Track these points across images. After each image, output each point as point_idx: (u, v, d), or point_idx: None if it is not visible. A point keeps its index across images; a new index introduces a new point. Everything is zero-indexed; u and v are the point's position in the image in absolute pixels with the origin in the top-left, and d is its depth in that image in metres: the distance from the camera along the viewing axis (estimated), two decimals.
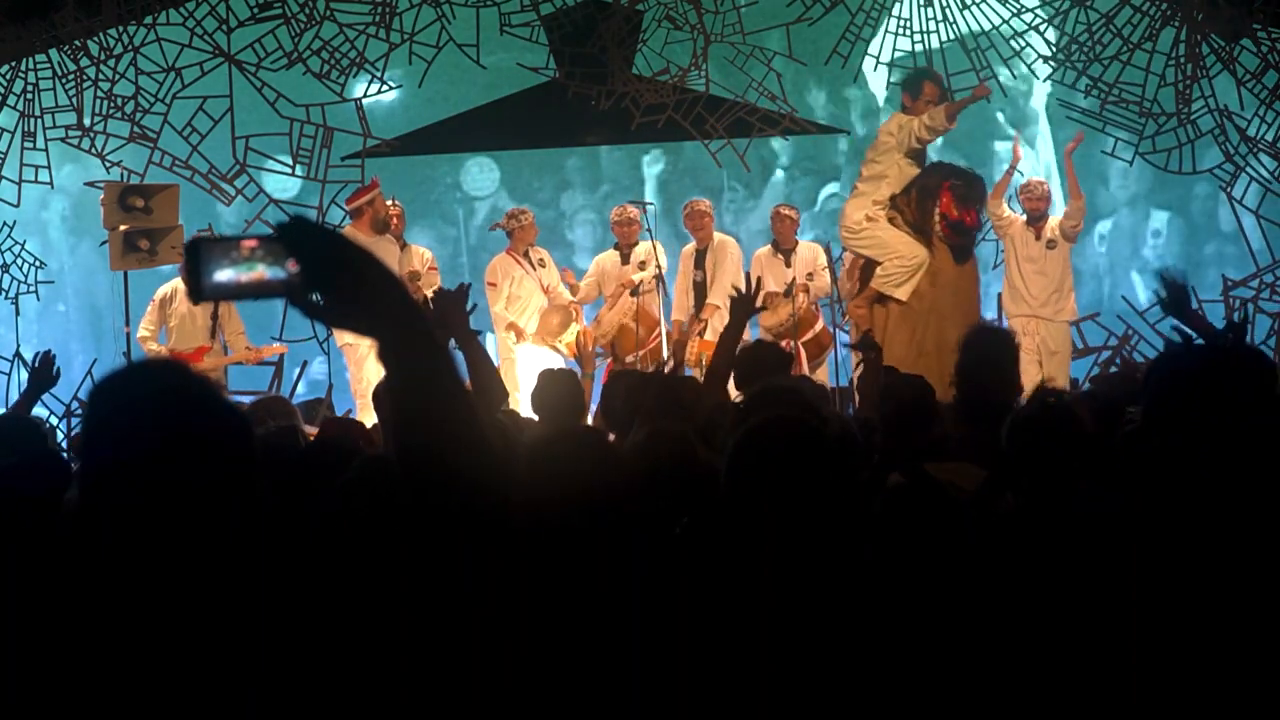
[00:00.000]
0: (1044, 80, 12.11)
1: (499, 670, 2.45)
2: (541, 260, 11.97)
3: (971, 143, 14.50)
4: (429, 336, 2.11)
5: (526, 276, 11.82)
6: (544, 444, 3.52)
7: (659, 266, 11.65)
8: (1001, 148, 13.97)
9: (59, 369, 6.33)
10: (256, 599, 2.19)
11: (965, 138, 14.45)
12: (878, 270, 10.13)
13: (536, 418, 6.56)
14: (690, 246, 12.24)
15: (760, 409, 4.01)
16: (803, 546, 3.14)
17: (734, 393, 6.14)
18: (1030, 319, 11.13)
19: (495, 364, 12.28)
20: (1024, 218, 11.35)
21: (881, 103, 13.63)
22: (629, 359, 11.41)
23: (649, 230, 11.93)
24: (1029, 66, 12.33)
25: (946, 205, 9.89)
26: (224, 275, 2.03)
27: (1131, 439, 3.97)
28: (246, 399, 10.15)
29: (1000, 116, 14.34)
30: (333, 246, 2.05)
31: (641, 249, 11.93)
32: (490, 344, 13.21)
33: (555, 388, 6.54)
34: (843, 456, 3.45)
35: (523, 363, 11.44)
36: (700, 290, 12.00)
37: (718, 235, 12.19)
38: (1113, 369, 11.48)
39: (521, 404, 9.12)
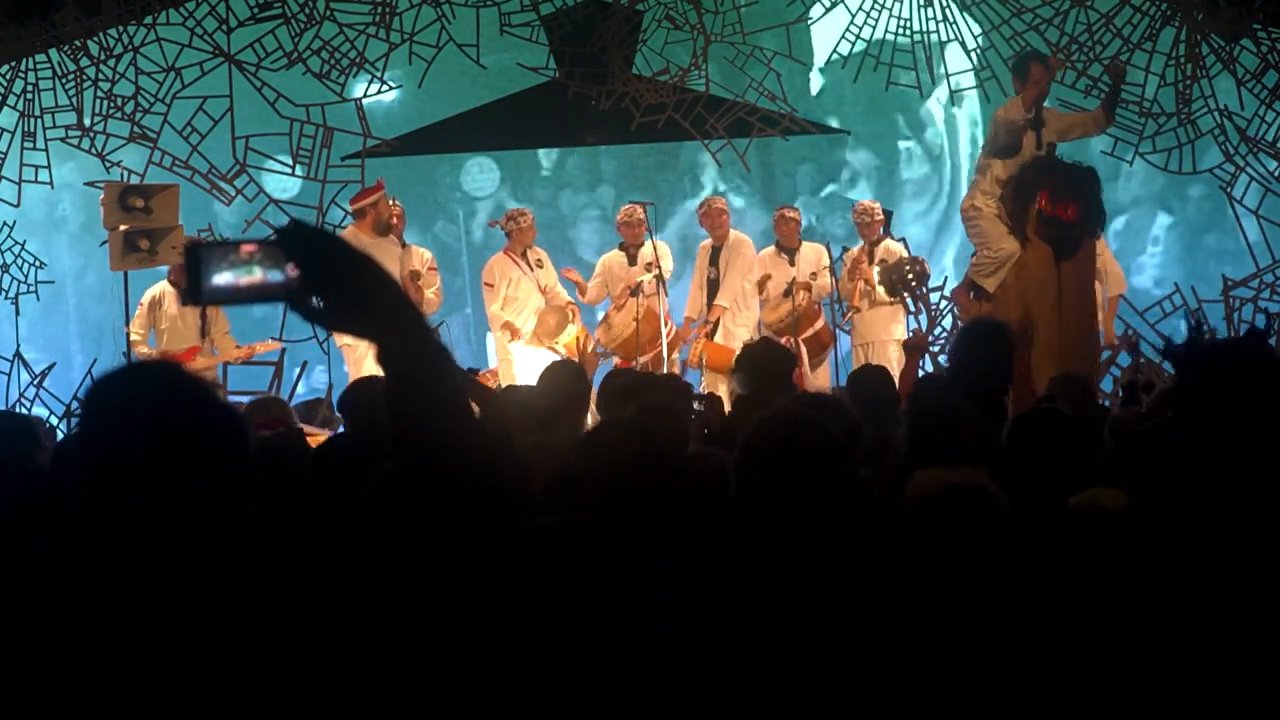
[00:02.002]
0: None
1: (501, 670, 2.45)
2: (539, 261, 11.96)
3: (879, 141, 14.65)
4: (428, 338, 2.11)
5: (524, 277, 11.81)
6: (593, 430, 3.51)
7: (658, 267, 11.64)
8: (903, 146, 14.12)
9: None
10: (256, 599, 2.19)
11: (873, 138, 14.61)
12: (972, 259, 10.30)
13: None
14: (706, 243, 12.25)
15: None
16: (807, 545, 3.15)
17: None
18: None
19: (493, 365, 12.30)
20: None
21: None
22: (639, 360, 11.41)
23: (649, 231, 11.94)
24: None
25: (1044, 201, 9.94)
26: (223, 279, 2.03)
27: (1145, 435, 3.97)
28: (245, 399, 10.17)
29: (901, 120, 14.50)
30: (332, 250, 2.05)
31: (647, 250, 11.92)
32: (488, 344, 13.25)
33: (558, 379, 6.55)
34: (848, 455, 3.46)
35: (520, 363, 11.43)
36: (714, 288, 12.02)
37: (733, 233, 12.20)
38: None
39: None
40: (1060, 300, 10.00)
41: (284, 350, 11.78)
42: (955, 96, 13.05)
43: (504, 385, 10.92)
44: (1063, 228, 10.01)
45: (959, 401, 4.88)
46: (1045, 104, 10.43)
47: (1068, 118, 10.75)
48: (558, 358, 11.38)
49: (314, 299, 2.04)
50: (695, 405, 6.97)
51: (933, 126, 14.77)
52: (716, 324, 11.89)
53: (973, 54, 12.64)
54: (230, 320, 11.63)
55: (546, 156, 15.02)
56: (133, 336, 11.30)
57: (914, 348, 8.29)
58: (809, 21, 12.83)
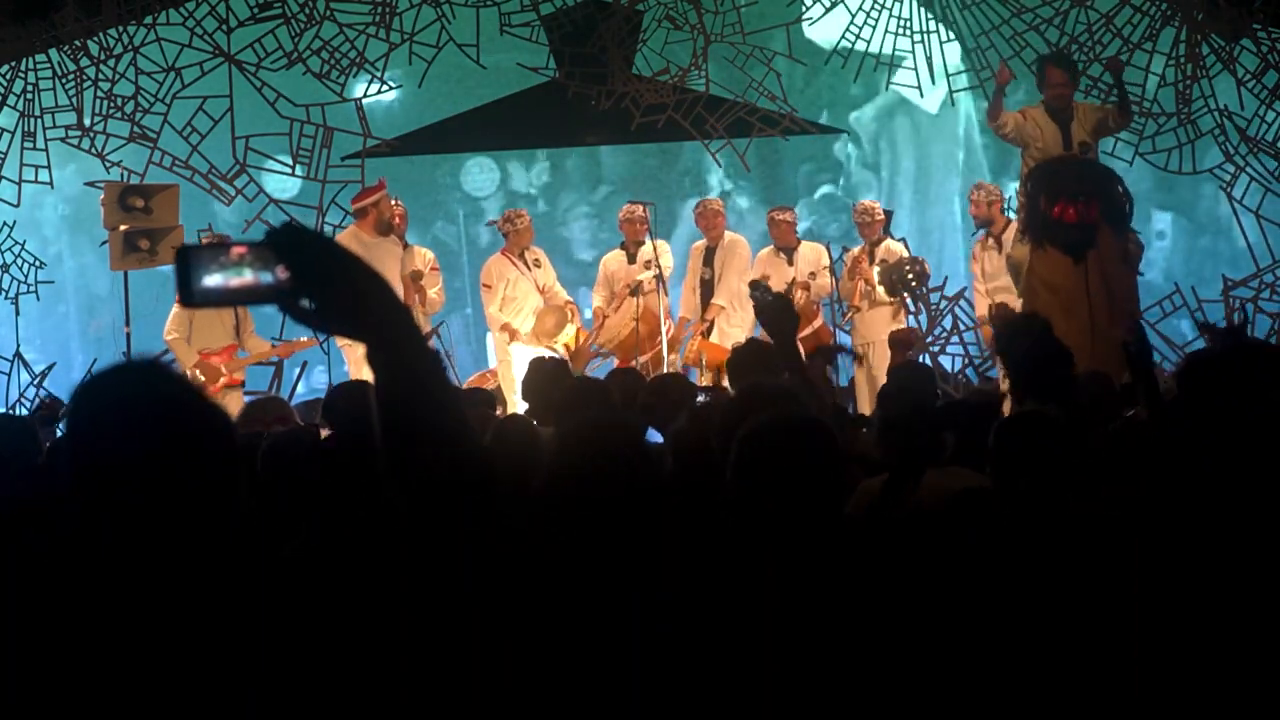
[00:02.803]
0: None
1: (500, 669, 2.45)
2: (537, 261, 11.95)
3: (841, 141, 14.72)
4: (418, 340, 2.11)
5: (522, 278, 11.80)
6: (575, 431, 3.51)
7: (658, 266, 11.64)
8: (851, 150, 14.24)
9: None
10: (256, 599, 2.19)
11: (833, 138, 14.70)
12: None
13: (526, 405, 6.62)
14: (700, 244, 12.24)
15: (751, 407, 4.00)
16: (806, 546, 3.15)
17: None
18: None
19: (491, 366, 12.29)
20: None
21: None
22: (638, 360, 11.40)
23: (649, 230, 11.94)
24: (1029, 66, 12.32)
25: (1045, 204, 9.94)
26: (213, 280, 2.03)
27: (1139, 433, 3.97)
28: (245, 399, 10.17)
29: (847, 122, 14.59)
30: (323, 251, 2.05)
31: (647, 249, 11.91)
32: (488, 345, 13.24)
33: (544, 376, 6.60)
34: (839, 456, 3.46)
35: (519, 364, 11.42)
36: (708, 288, 12.01)
37: (728, 234, 12.20)
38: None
39: (518, 405, 9.12)
40: (1086, 302, 9.93)
41: None
42: (953, 96, 13.05)
43: (503, 386, 10.94)
44: (1069, 230, 9.96)
45: (928, 401, 4.89)
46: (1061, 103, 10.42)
47: (1098, 114, 10.66)
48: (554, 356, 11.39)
49: (305, 300, 2.04)
50: (700, 398, 6.98)
51: (868, 130, 14.82)
52: (711, 324, 11.88)
53: (972, 54, 12.63)
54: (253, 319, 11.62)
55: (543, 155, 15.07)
56: (172, 335, 11.25)
57: (899, 343, 8.25)
58: (809, 21, 12.81)
